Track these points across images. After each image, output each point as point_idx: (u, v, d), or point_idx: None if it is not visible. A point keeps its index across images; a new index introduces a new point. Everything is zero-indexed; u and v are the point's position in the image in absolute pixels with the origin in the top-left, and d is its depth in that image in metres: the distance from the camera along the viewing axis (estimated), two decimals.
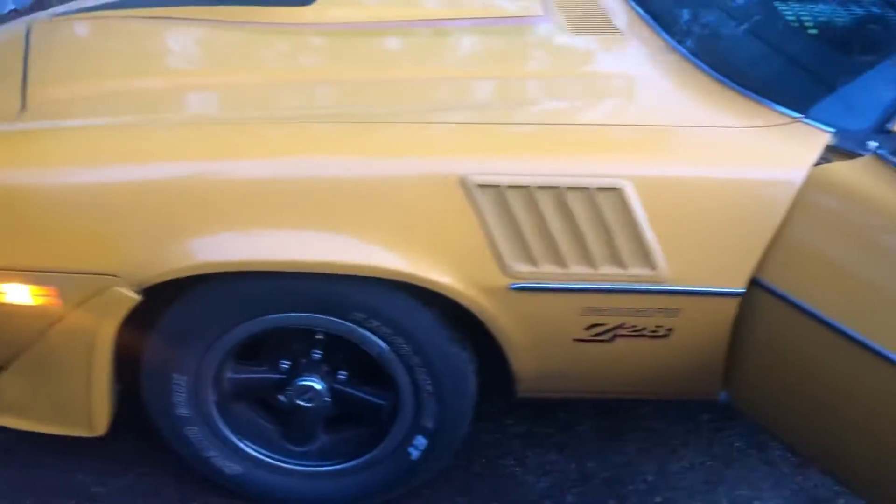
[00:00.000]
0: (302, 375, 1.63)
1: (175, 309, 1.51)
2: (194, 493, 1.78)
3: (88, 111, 1.62)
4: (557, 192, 1.42)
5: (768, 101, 1.53)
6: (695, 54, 1.69)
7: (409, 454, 1.68)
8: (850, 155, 1.45)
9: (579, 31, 1.85)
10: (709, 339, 1.54)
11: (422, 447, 1.66)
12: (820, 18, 1.72)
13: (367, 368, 1.66)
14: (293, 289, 1.48)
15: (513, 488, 1.86)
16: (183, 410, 1.63)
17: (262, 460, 1.71)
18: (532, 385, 1.66)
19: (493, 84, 1.66)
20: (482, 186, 1.41)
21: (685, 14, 1.88)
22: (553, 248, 1.44)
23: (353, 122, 1.50)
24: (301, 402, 1.64)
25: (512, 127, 1.52)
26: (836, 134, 1.47)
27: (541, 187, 1.41)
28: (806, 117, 1.50)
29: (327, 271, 1.43)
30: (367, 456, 1.70)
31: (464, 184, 1.41)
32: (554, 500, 1.84)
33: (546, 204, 1.42)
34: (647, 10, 1.88)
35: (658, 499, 1.87)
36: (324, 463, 1.73)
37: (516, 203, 1.42)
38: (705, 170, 1.47)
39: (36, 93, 1.70)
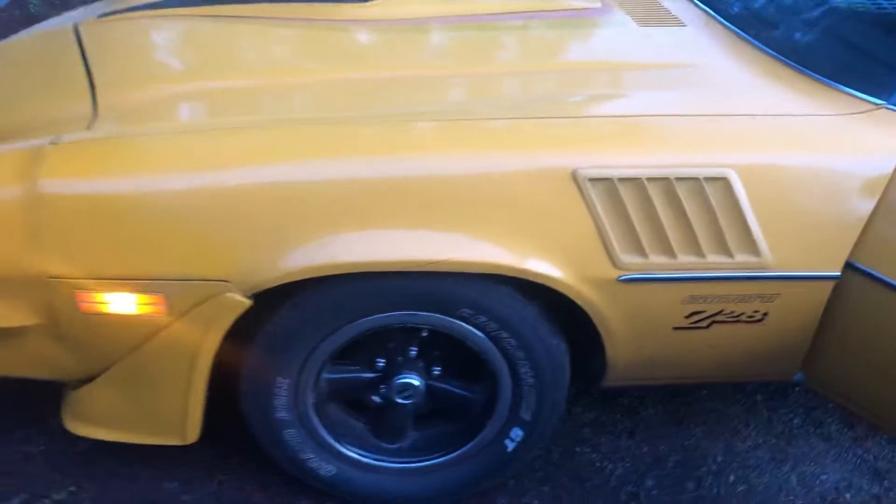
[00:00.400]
0: (401, 373, 1.63)
1: (283, 312, 1.49)
2: (283, 497, 1.77)
3: (172, 114, 1.60)
4: (667, 184, 1.44)
5: (851, 89, 1.59)
6: (767, 44, 1.73)
7: (504, 446, 1.69)
8: None
9: (643, 22, 1.88)
10: (800, 322, 1.59)
11: (518, 439, 1.68)
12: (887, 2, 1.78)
13: (459, 364, 1.67)
14: (403, 287, 1.48)
15: (592, 475, 1.90)
16: (283, 414, 1.61)
17: (357, 459, 1.71)
18: (620, 374, 1.69)
19: (581, 76, 1.68)
20: (593, 180, 1.43)
21: (745, 3, 1.92)
22: (662, 238, 1.46)
23: (458, 119, 1.50)
24: (400, 400, 1.64)
25: (616, 119, 1.54)
26: None
27: (650, 179, 1.44)
28: (889, 103, 1.55)
29: (443, 269, 1.43)
30: (462, 450, 1.71)
31: (575, 177, 1.43)
32: (633, 485, 1.88)
33: (656, 195, 1.44)
34: (706, 2, 1.92)
35: (731, 478, 1.92)
36: (416, 459, 1.74)
37: (627, 195, 1.44)
38: (802, 158, 1.51)
39: (107, 97, 1.66)
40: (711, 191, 1.45)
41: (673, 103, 1.58)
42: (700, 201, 1.46)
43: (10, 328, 1.49)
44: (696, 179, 1.45)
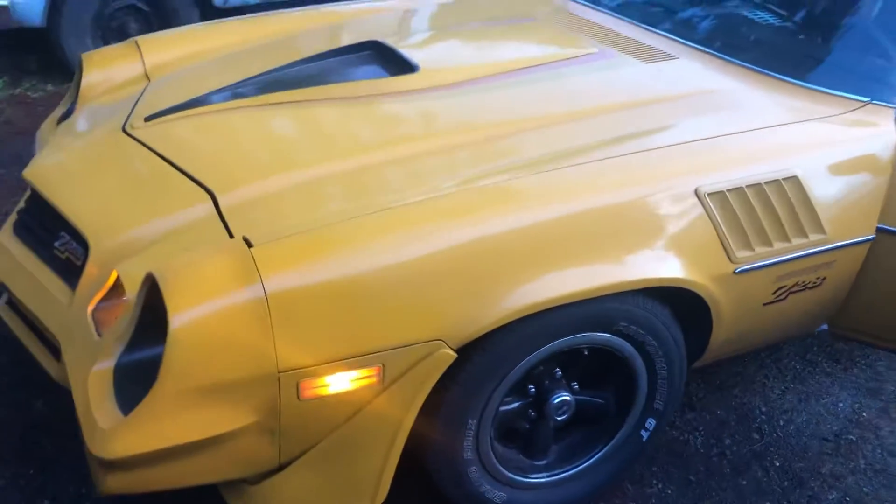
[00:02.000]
0: (554, 393, 1.83)
1: (475, 358, 1.64)
2: None
3: (311, 201, 1.68)
4: (759, 188, 1.78)
5: (844, 93, 2.02)
6: (759, 63, 2.13)
7: (641, 437, 1.94)
8: None
9: (646, 59, 2.22)
10: (846, 280, 2.00)
11: (651, 428, 1.94)
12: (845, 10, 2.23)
13: (591, 375, 1.90)
14: (576, 314, 1.68)
15: (682, 448, 2.19)
16: (469, 454, 1.75)
17: (520, 482, 1.88)
18: (714, 354, 2.00)
19: (639, 112, 1.96)
20: (711, 194, 1.73)
21: (721, 29, 2.31)
22: (762, 232, 1.80)
23: (590, 161, 1.74)
24: (558, 417, 1.84)
25: (705, 143, 1.85)
26: (894, 107, 1.99)
27: (749, 186, 1.77)
28: (872, 99, 2.00)
29: (617, 290, 1.66)
30: (606, 448, 1.94)
31: (697, 194, 1.72)
32: (716, 447, 2.20)
33: (753, 198, 1.78)
34: (679, 35, 2.29)
35: (780, 422, 2.30)
36: (566, 468, 1.93)
37: (735, 202, 1.76)
38: (834, 151, 1.91)
39: (226, 198, 1.73)
40: (789, 188, 1.81)
41: (725, 123, 1.91)
42: (782, 198, 1.81)
43: (228, 432, 1.51)
44: (777, 181, 1.80)
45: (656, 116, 1.96)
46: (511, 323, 1.62)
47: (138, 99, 2.18)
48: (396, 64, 2.17)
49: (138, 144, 1.94)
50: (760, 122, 1.94)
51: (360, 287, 1.51)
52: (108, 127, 2.06)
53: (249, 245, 1.51)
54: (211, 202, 1.74)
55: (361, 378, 1.55)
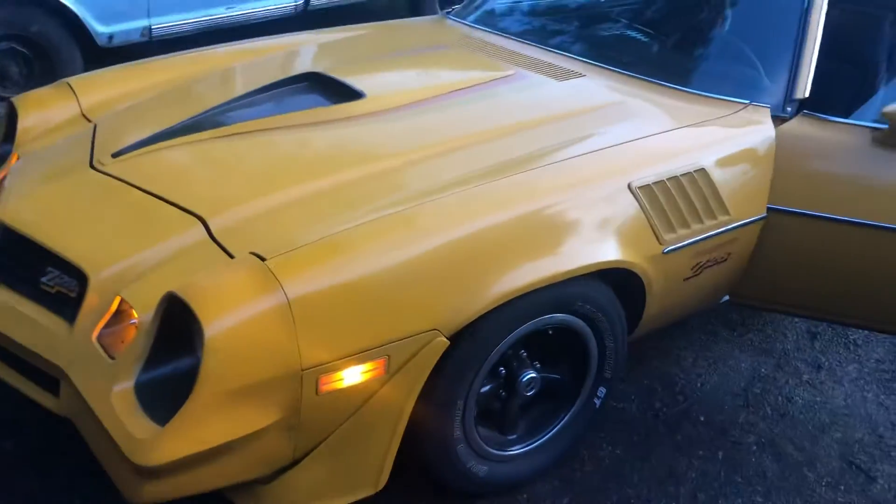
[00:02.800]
0: (522, 372, 2.07)
1: (463, 343, 1.85)
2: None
3: (303, 216, 1.85)
4: (677, 180, 2.11)
5: (729, 97, 2.40)
6: (652, 75, 2.48)
7: (594, 404, 2.22)
8: (782, 119, 2.37)
9: (558, 78, 2.52)
10: (745, 255, 2.36)
11: (602, 395, 2.22)
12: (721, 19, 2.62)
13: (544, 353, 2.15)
14: (542, 298, 1.93)
15: (620, 416, 2.49)
16: (458, 432, 1.96)
17: (498, 454, 2.10)
18: (644, 329, 2.31)
19: (568, 123, 2.25)
20: (641, 188, 2.04)
21: (620, 51, 2.66)
22: (682, 216, 2.12)
23: (542, 166, 2.00)
24: (527, 393, 2.08)
25: (628, 145, 2.15)
26: (770, 107, 2.38)
27: (669, 179, 2.09)
28: (751, 101, 2.39)
29: (577, 274, 1.93)
30: (566, 418, 2.20)
31: (630, 188, 2.03)
32: (649, 412, 2.52)
33: (673, 189, 2.10)
34: (581, 55, 2.62)
35: (698, 384, 2.65)
36: (534, 440, 2.17)
37: (660, 193, 2.08)
38: (731, 145, 2.27)
39: (216, 221, 1.87)
40: (699, 179, 2.15)
41: (640, 128, 2.23)
42: (695, 187, 2.14)
43: (256, 431, 1.65)
44: (690, 174, 2.14)
45: (583, 126, 2.25)
46: (491, 310, 1.85)
47: (93, 138, 2.26)
48: (340, 92, 2.36)
49: (113, 179, 2.04)
50: (669, 125, 2.27)
51: (366, 287, 1.70)
52: (73, 165, 2.14)
53: (262, 259, 1.67)
54: (201, 227, 1.87)
55: (370, 370, 1.73)
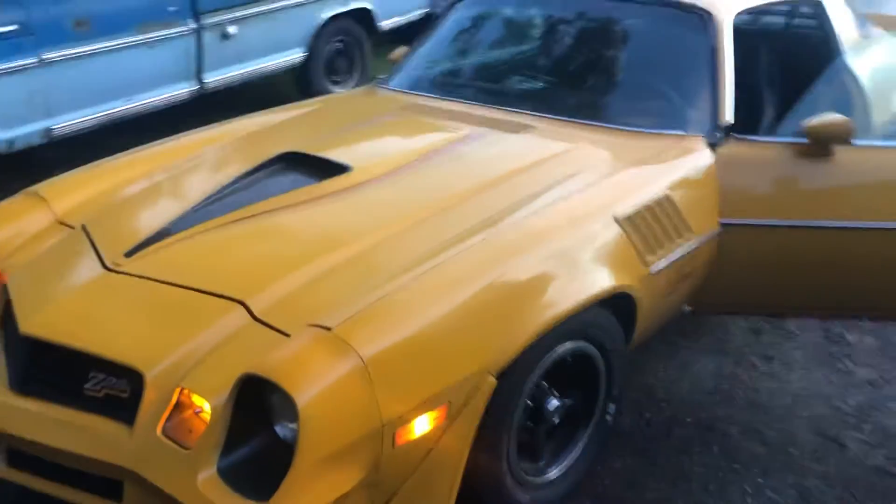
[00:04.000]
0: (547, 400, 2.25)
1: (504, 382, 2.00)
2: None
3: (330, 288, 1.98)
4: (649, 208, 2.38)
5: (668, 130, 2.71)
6: (597, 119, 2.77)
7: (607, 421, 2.42)
8: (714, 144, 2.71)
9: (513, 132, 2.76)
10: (706, 267, 2.66)
11: (613, 412, 2.43)
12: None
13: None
14: (561, 329, 2.11)
15: (619, 430, 2.70)
16: (504, 466, 2.11)
17: (535, 482, 2.26)
18: (633, 346, 2.55)
19: (539, 172, 2.47)
20: (625, 217, 2.29)
21: (563, 101, 2.93)
22: (659, 239, 2.39)
23: (541, 209, 2.22)
24: (554, 420, 2.26)
25: (599, 182, 2.40)
26: (703, 135, 2.71)
27: (645, 207, 2.36)
28: (686, 132, 2.72)
29: (591, 302, 2.13)
30: (585, 437, 2.39)
31: (616, 219, 2.28)
32: (641, 421, 2.75)
33: (648, 216, 2.37)
34: (524, 108, 2.88)
35: (674, 389, 2.90)
36: (560, 463, 2.35)
37: (639, 221, 2.33)
38: (681, 171, 2.57)
39: (256, 302, 1.96)
40: (667, 205, 2.43)
41: (607, 167, 2.50)
42: (664, 212, 2.42)
43: (346, 493, 1.75)
44: (658, 200, 2.41)
45: (555, 171, 2.48)
46: (524, 349, 2.02)
47: (91, 241, 2.29)
48: (323, 167, 2.50)
49: (135, 278, 2.08)
50: (631, 161, 2.55)
51: (422, 339, 1.86)
52: (85, 269, 2.16)
53: (327, 329, 1.78)
54: (243, 310, 1.95)
55: (435, 417, 1.87)
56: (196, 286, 2.03)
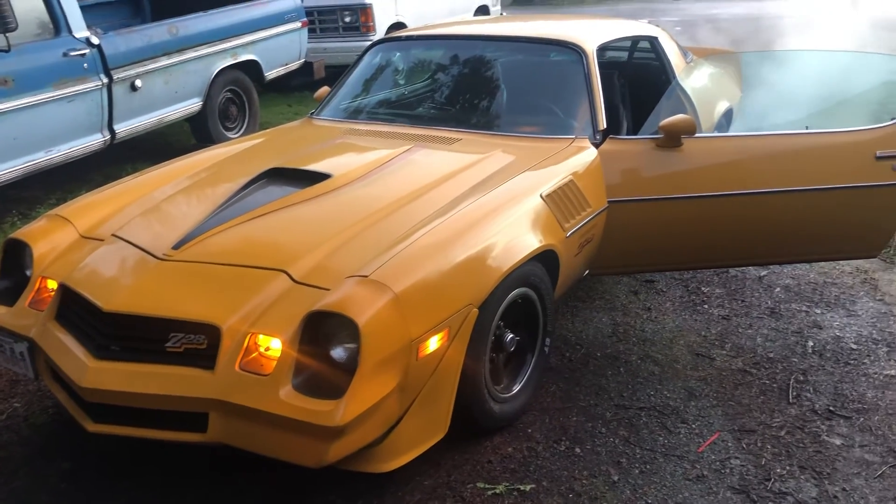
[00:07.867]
0: (504, 335, 2.98)
1: (482, 313, 2.72)
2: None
3: (360, 251, 2.65)
4: (562, 188, 3.20)
5: (563, 135, 3.56)
6: (511, 131, 3.59)
7: (545, 352, 3.19)
8: (597, 144, 3.58)
9: (446, 144, 3.53)
10: (599, 236, 3.50)
11: (549, 344, 3.20)
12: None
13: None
14: (516, 275, 2.84)
15: (548, 365, 3.48)
16: (484, 379, 2.82)
17: (501, 397, 2.97)
18: (556, 294, 3.35)
19: (477, 169, 3.24)
20: (547, 195, 3.10)
21: (482, 117, 3.73)
22: (570, 211, 3.20)
23: (494, 189, 2.97)
24: (511, 349, 3.00)
25: (527, 173, 3.19)
26: (587, 137, 3.59)
27: (557, 188, 3.18)
28: (575, 136, 3.58)
29: (533, 255, 2.90)
30: (531, 366, 3.13)
31: (542, 197, 3.08)
32: (564, 359, 3.54)
33: (561, 194, 3.18)
34: (449, 126, 3.67)
35: (584, 335, 3.72)
36: (517, 383, 3.08)
37: (556, 197, 3.14)
38: (577, 164, 3.41)
39: (295, 269, 2.61)
40: (571, 186, 3.26)
41: (526, 162, 3.30)
42: (572, 192, 3.24)
43: (388, 392, 2.40)
44: (567, 183, 3.24)
45: (490, 167, 3.26)
46: (493, 289, 2.75)
47: (132, 244, 2.83)
48: (306, 177, 3.15)
49: (189, 263, 2.66)
50: (541, 157, 3.35)
51: (431, 280, 2.55)
52: (140, 262, 2.71)
53: (364, 276, 2.45)
54: (286, 276, 2.57)
55: (441, 338, 2.55)
56: (242, 263, 2.63)
